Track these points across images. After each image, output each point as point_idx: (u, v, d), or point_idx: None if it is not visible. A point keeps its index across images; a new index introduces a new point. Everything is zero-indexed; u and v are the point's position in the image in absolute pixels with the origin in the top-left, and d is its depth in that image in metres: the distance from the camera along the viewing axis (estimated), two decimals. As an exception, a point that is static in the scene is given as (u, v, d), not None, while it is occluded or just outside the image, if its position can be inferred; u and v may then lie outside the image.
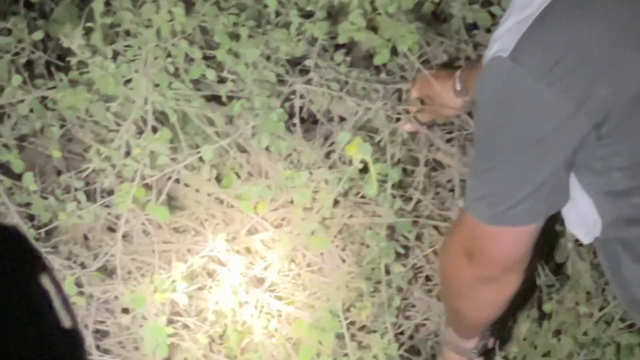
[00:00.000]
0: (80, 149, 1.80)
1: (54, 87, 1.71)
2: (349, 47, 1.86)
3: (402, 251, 1.77)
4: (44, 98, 1.72)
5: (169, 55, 1.67)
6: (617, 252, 1.45)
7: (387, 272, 1.76)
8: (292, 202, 1.77)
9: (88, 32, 1.68)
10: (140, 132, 1.69)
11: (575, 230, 1.48)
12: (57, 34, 1.77)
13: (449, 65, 1.86)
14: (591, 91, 1.26)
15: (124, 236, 1.75)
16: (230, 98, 1.74)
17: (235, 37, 1.70)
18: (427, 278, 1.81)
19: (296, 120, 1.75)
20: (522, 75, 1.27)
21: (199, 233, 1.78)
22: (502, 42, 1.29)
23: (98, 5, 1.67)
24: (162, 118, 1.71)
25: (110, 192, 1.75)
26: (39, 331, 0.65)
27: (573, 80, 1.25)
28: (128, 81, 1.67)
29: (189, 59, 1.69)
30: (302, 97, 1.77)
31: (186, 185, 1.79)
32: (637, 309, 1.49)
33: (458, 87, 1.73)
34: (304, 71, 1.79)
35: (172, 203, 1.79)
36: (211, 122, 1.73)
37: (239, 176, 1.79)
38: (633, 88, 1.26)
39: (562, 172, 1.36)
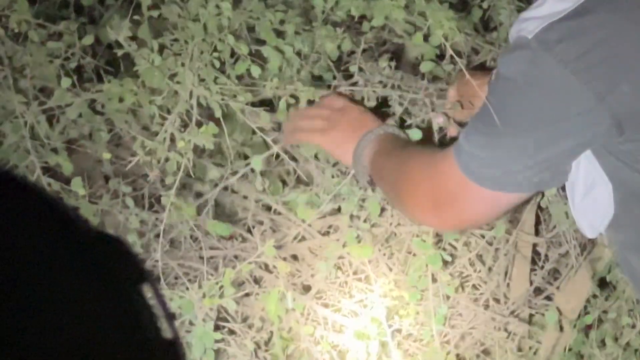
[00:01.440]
0: (127, 155, 1.81)
1: (101, 91, 1.71)
2: (396, 53, 1.86)
3: (449, 259, 1.77)
4: (92, 101, 1.72)
5: (214, 50, 1.66)
6: (634, 262, 1.45)
7: (434, 280, 1.76)
8: (339, 209, 1.77)
9: (136, 25, 1.67)
10: (184, 126, 1.68)
11: (582, 221, 1.47)
12: (106, 39, 1.78)
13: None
14: (614, 87, 1.27)
15: (170, 242, 1.75)
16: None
17: (281, 34, 1.69)
18: (474, 287, 1.81)
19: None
20: (547, 59, 1.29)
21: (246, 239, 1.78)
22: (531, 23, 1.31)
23: (146, -1, 1.66)
24: (206, 115, 1.70)
25: (158, 199, 1.76)
26: (141, 342, 0.65)
27: (598, 73, 1.27)
28: (173, 75, 1.66)
29: (234, 55, 1.67)
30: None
31: (233, 192, 1.79)
32: None
33: (494, 77, 1.73)
34: (349, 76, 1.79)
35: (218, 210, 1.80)
36: (260, 129, 1.73)
37: (285, 183, 1.79)
38: None
39: (567, 156, 1.37)
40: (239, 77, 1.69)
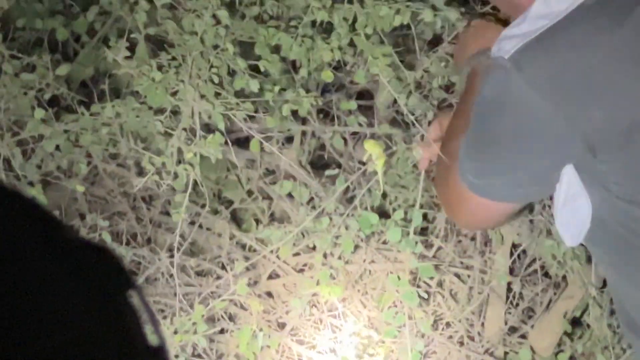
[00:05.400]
0: (103, 193, 1.81)
1: (76, 121, 1.70)
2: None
3: (425, 296, 1.77)
4: (68, 135, 1.71)
5: (212, 67, 1.65)
6: (613, 275, 1.47)
7: (409, 317, 1.76)
8: (313, 247, 1.77)
9: (132, 45, 1.66)
10: (189, 140, 1.66)
11: (563, 230, 1.48)
12: (80, 77, 1.78)
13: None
14: (585, 111, 1.27)
15: (147, 278, 1.75)
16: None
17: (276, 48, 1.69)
18: (448, 324, 1.81)
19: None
20: (519, 81, 1.28)
21: (221, 277, 1.78)
22: (509, 42, 1.31)
23: (141, 16, 1.64)
24: (205, 130, 1.68)
25: (134, 235, 1.76)
26: (127, 349, 0.66)
27: (568, 96, 1.27)
28: (174, 93, 1.64)
29: (230, 71, 1.66)
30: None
31: (208, 229, 1.80)
32: (634, 330, 1.48)
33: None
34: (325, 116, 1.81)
35: (192, 248, 1.80)
36: (234, 166, 1.73)
37: (258, 222, 1.80)
38: (628, 115, 1.27)
39: (547, 172, 1.37)
40: (238, 92, 1.67)
